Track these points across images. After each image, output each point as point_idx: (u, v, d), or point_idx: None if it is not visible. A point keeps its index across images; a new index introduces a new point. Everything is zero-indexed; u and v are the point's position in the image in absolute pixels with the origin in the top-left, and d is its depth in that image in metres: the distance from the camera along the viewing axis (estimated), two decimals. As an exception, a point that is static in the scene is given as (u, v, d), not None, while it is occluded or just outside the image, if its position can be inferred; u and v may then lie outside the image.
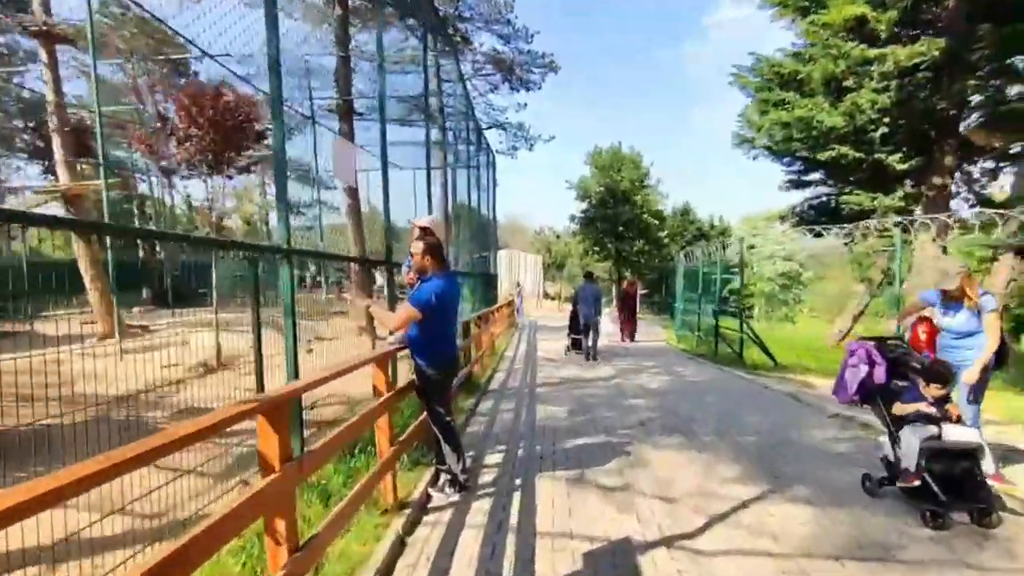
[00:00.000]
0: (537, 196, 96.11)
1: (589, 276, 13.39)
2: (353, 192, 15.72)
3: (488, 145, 22.46)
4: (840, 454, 5.32)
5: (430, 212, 9.98)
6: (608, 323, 19.89)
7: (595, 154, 31.96)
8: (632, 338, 16.24)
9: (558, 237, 50.29)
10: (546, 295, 41.01)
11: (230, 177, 11.88)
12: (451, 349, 4.43)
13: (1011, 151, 10.39)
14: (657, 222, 31.99)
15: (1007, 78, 9.82)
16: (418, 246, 4.11)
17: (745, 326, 11.23)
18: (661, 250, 32.99)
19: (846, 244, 13.33)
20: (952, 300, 4.55)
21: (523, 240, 54.53)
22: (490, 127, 23.75)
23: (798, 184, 17.57)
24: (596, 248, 32.40)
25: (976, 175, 12.20)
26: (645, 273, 32.81)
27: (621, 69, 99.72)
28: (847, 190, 12.30)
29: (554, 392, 8.57)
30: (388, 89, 7.21)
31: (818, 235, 17.97)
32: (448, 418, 4.30)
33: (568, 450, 5.51)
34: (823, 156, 11.73)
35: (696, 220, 40.74)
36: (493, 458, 5.27)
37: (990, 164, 11.70)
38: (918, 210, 10.82)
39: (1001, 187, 12.99)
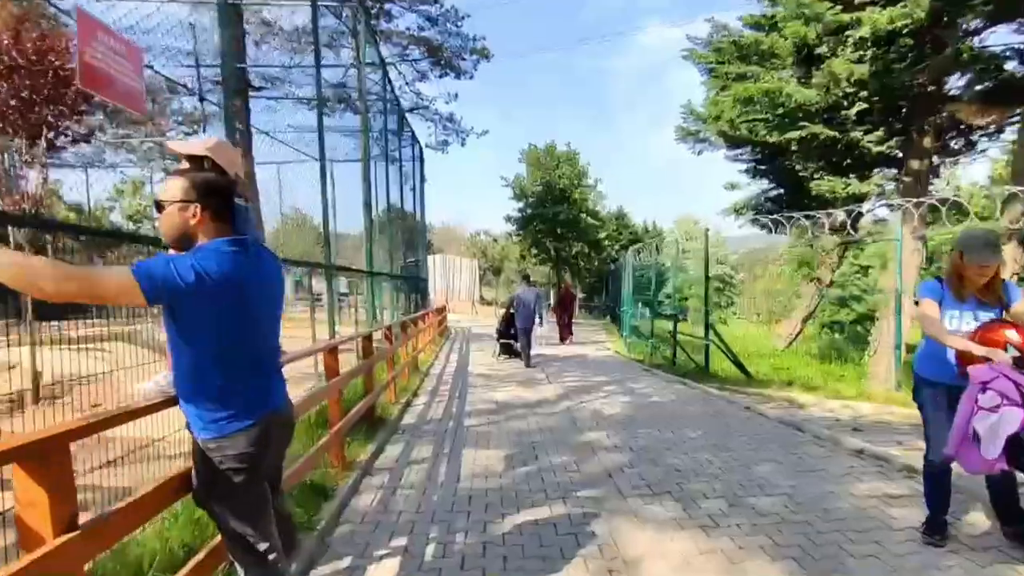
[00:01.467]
0: (472, 203, 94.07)
1: (527, 279, 13.26)
2: (251, 179, 13.17)
3: (414, 135, 20.23)
4: (913, 527, 3.55)
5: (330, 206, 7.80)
6: (547, 325, 18.22)
7: (530, 151, 30.31)
8: (568, 339, 16.41)
9: (495, 241, 48.46)
10: (482, 300, 38.99)
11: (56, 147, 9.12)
12: (272, 395, 2.11)
13: (1005, 125, 9.45)
14: (597, 223, 30.68)
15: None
16: (175, 186, 1.89)
17: (712, 332, 9.62)
18: (601, 252, 31.70)
19: (810, 236, 12.06)
20: (968, 292, 2.98)
21: (459, 247, 52.39)
22: (412, 109, 21.49)
23: (756, 173, 16.43)
24: (534, 250, 30.68)
25: (953, 159, 11.26)
26: (585, 276, 31.43)
27: (554, 73, 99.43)
28: (817, 176, 11.03)
29: (489, 426, 6.52)
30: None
31: (768, 229, 16.86)
32: (269, 553, 2.08)
33: (505, 541, 3.47)
34: (792, 135, 10.41)
35: (631, 225, 39.95)
36: (379, 573, 3.15)
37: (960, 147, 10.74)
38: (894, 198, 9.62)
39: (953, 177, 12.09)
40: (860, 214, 12.46)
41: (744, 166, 18.65)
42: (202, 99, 15.66)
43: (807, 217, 9.96)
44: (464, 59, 23.37)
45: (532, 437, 6.00)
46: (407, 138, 18.88)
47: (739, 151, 18.53)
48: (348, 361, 6.43)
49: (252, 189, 13.82)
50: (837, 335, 30.07)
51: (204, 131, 16.80)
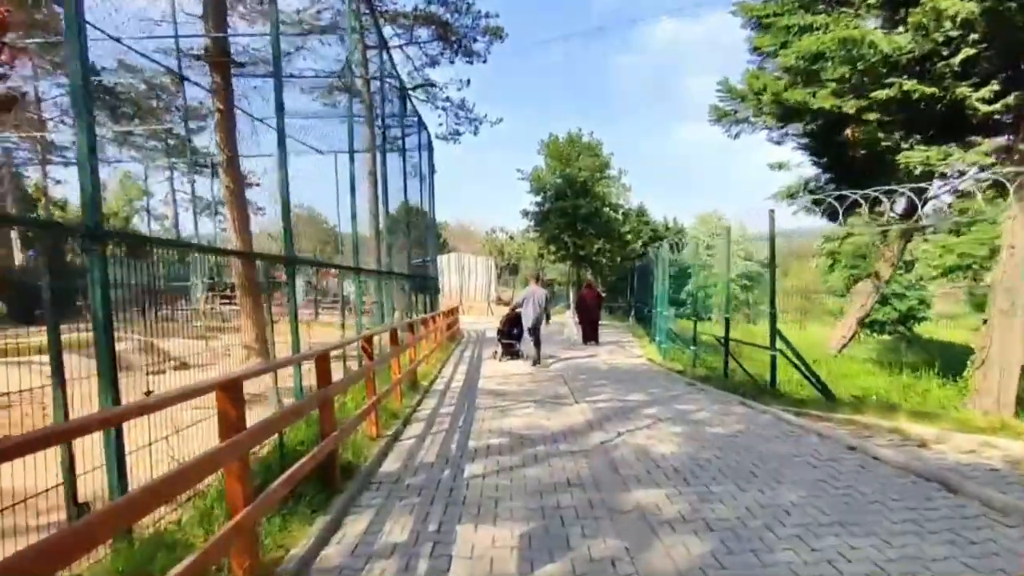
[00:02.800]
0: (489, 200, 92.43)
1: (536, 277, 13.23)
2: (232, 164, 11.59)
3: (421, 120, 18.49)
4: None
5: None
6: (571, 325, 16.59)
7: (550, 142, 28.41)
8: (591, 342, 15.96)
9: (511, 238, 46.65)
10: (499, 300, 37.20)
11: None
12: None
13: None
14: (620, 217, 28.66)
15: None
16: None
17: (781, 341, 7.66)
18: (624, 248, 29.67)
19: (883, 219, 10.03)
20: None
21: (474, 245, 50.73)
22: (417, 87, 19.76)
23: (812, 149, 14.48)
24: (552, 246, 28.77)
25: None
26: (606, 275, 29.46)
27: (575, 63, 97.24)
28: (905, 146, 8.97)
29: (497, 477, 4.71)
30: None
31: (829, 214, 14.86)
32: None
33: None
34: (879, 95, 8.40)
35: (651, 221, 37.70)
36: None
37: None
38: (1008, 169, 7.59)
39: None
40: (920, 196, 10.42)
41: (794, 144, 16.63)
42: (183, 79, 14.14)
43: (887, 193, 7.98)
44: (476, 40, 21.66)
45: (558, 498, 4.19)
46: (412, 123, 17.18)
47: (786, 129, 16.49)
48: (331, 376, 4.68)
49: (238, 178, 12.17)
50: (882, 336, 27.73)
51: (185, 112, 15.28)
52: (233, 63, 12.48)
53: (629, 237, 29.82)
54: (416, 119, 17.21)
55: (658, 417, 6.82)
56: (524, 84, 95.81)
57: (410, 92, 17.81)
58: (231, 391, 2.70)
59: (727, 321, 9.14)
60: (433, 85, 20.16)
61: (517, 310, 12.38)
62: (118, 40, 12.79)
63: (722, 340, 9.59)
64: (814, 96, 10.49)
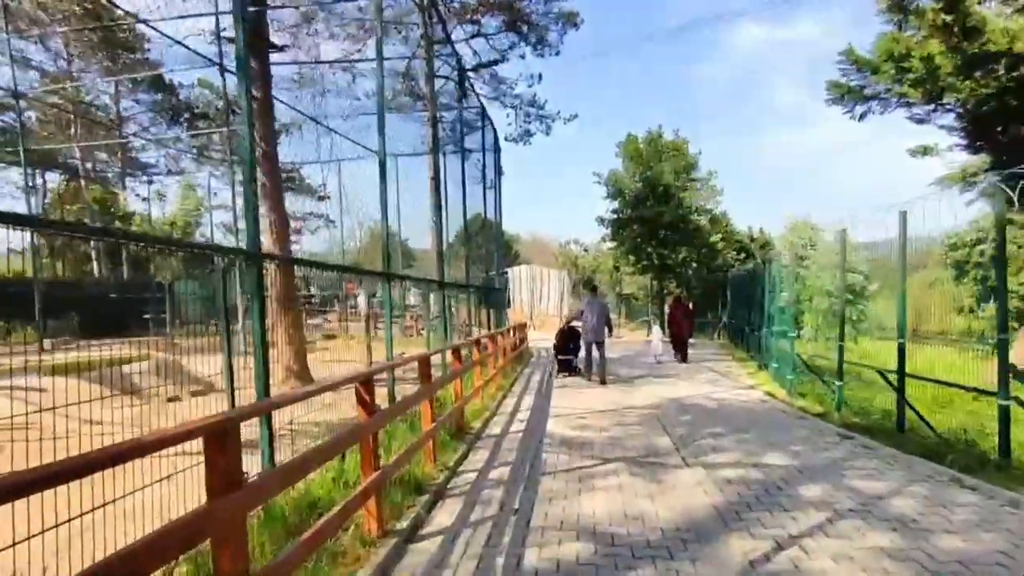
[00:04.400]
0: (563, 214, 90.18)
1: (593, 289, 12.93)
2: (269, 160, 10.22)
3: (488, 118, 16.61)
4: None
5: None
6: (658, 344, 15.16)
7: (628, 142, 25.82)
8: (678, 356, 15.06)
9: (586, 251, 44.14)
10: (578, 318, 34.70)
11: None
12: None
13: None
14: (708, 224, 25.52)
15: None
16: None
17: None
18: (714, 259, 26.43)
19: None
20: None
21: (547, 258, 48.66)
22: (480, 68, 17.92)
23: (973, 130, 11.34)
24: (631, 257, 26.02)
25: None
26: (693, 288, 26.33)
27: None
28: None
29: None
30: None
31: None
32: None
33: None
34: None
35: (735, 231, 33.82)
36: None
37: None
38: None
39: None
40: None
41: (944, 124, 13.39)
42: (224, 70, 12.98)
43: None
44: (549, 28, 19.64)
45: None
46: (476, 117, 15.32)
47: (934, 106, 13.24)
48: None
49: (274, 172, 10.70)
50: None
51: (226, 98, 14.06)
52: (272, 47, 11.03)
53: (720, 246, 26.56)
54: (480, 112, 15.32)
55: (831, 505, 4.27)
56: (600, 94, 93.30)
57: (474, 85, 16.00)
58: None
59: (902, 350, 6.36)
60: (498, 62, 18.06)
61: (574, 323, 11.95)
62: (146, 23, 11.72)
63: (889, 375, 6.78)
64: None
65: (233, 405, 3.65)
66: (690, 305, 17.55)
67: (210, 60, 12.42)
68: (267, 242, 9.76)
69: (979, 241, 19.81)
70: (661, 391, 10.06)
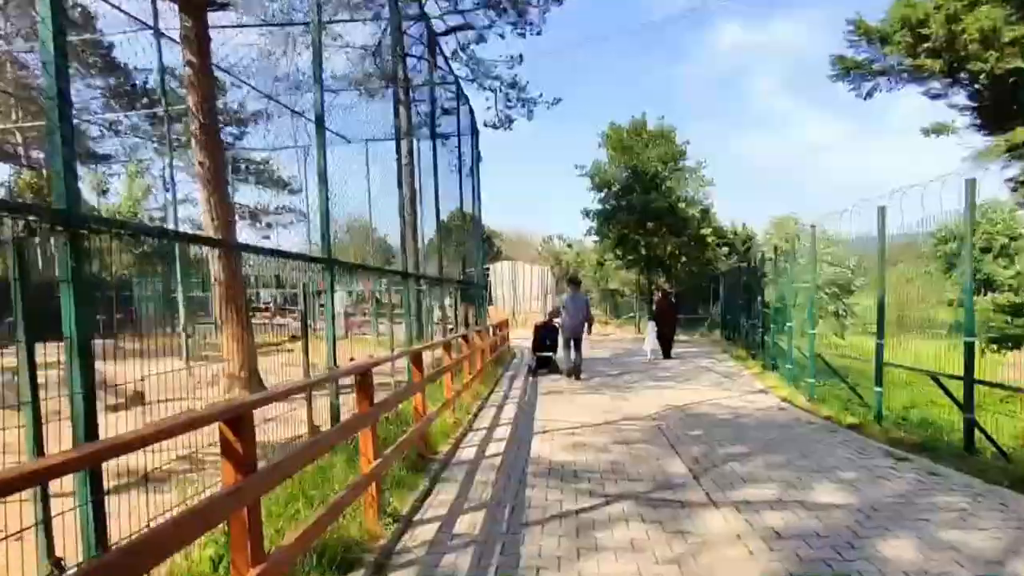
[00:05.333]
0: (545, 210, 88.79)
1: (574, 282, 12.60)
2: (207, 134, 8.70)
3: (465, 97, 15.19)
4: None
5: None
6: (651, 340, 14.35)
7: (611, 131, 24.55)
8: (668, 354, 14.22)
9: (569, 246, 42.96)
10: (557, 314, 33.49)
11: None
12: None
13: None
14: (697, 214, 24.35)
15: None
16: None
17: None
18: (704, 251, 25.31)
19: None
20: None
21: (530, 254, 47.41)
22: (449, 31, 16.52)
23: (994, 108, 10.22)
24: (619, 250, 24.77)
25: None
26: (683, 280, 25.20)
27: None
28: None
29: None
30: None
31: None
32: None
33: None
34: None
35: (718, 226, 32.57)
36: None
37: None
38: None
39: None
40: None
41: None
42: (159, 35, 11.41)
43: None
44: (530, 3, 18.26)
45: None
46: (451, 94, 13.90)
47: (951, 80, 12.15)
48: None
49: (214, 149, 9.20)
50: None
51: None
52: (211, 4, 9.46)
53: (711, 239, 25.44)
54: (455, 89, 13.89)
55: (920, 569, 3.00)
56: (583, 91, 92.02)
57: (448, 58, 14.56)
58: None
59: (969, 350, 5.16)
60: (472, 28, 16.69)
61: (556, 320, 11.62)
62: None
63: (949, 380, 5.57)
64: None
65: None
66: (673, 299, 16.67)
67: (143, 23, 10.83)
68: (208, 228, 8.33)
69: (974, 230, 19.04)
70: (662, 397, 8.79)
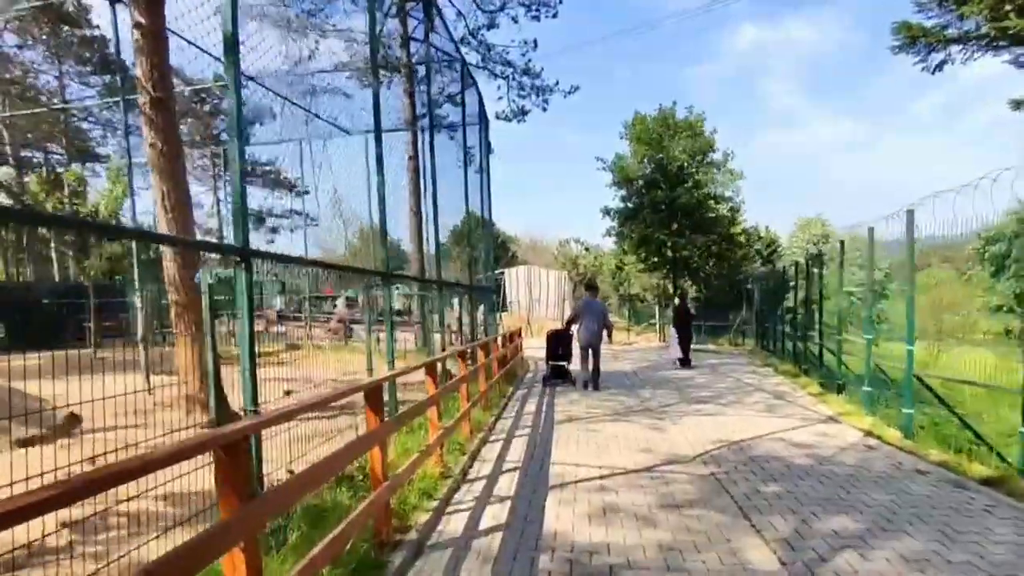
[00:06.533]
0: (562, 214, 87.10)
1: (591, 287, 11.96)
2: (160, 110, 7.21)
3: (472, 80, 13.59)
4: None
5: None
6: (674, 347, 13.65)
7: (635, 122, 22.78)
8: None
9: (587, 250, 41.13)
10: (575, 320, 31.67)
11: None
12: None
13: None
14: (728, 212, 22.46)
15: None
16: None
17: None
18: (735, 252, 23.36)
19: None
20: None
21: (546, 258, 45.78)
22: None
23: None
24: (642, 251, 22.91)
25: None
26: (713, 284, 23.30)
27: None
28: None
29: None
30: None
31: None
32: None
33: None
34: None
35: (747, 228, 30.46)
36: None
37: None
38: None
39: None
40: None
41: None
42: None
43: None
44: (544, -21, 16.64)
45: None
46: (455, 74, 12.31)
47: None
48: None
49: (170, 129, 7.66)
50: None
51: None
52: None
53: (742, 239, 23.49)
54: (460, 70, 12.29)
55: None
56: (602, 92, 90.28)
57: (453, 37, 12.97)
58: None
59: None
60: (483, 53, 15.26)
61: (572, 327, 10.74)
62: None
63: None
64: None
65: None
66: (689, 306, 15.35)
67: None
68: (162, 221, 6.83)
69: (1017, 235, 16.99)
70: (707, 427, 7.04)
